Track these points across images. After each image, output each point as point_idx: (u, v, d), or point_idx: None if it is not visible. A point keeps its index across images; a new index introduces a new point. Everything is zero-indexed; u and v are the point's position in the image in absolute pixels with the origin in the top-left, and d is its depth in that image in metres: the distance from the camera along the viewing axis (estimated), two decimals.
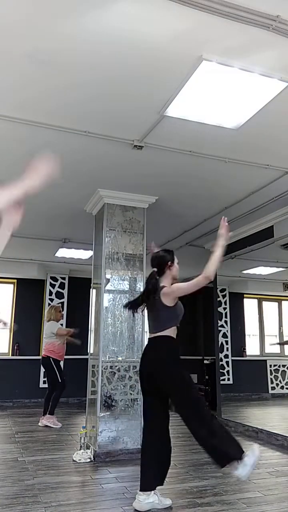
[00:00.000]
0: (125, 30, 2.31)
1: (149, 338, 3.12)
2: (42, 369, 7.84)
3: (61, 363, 6.03)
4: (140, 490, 2.86)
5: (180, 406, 2.94)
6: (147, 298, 3.07)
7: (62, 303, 8.24)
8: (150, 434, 3.00)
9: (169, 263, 3.20)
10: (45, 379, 6.45)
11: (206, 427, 2.84)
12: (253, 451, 2.76)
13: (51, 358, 5.85)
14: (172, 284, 3.11)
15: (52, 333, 5.96)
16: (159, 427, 3.02)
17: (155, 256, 3.27)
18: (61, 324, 6.47)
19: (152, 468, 2.92)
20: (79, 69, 2.64)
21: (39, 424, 5.72)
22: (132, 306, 3.15)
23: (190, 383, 3.03)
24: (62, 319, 6.66)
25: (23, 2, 2.14)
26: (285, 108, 2.99)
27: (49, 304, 8.10)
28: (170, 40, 2.37)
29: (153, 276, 3.15)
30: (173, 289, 3.04)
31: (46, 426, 5.62)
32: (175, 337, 3.10)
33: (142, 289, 4.52)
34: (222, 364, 7.23)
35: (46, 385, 6.86)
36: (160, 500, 2.89)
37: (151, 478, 2.90)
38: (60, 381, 5.83)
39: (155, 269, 3.18)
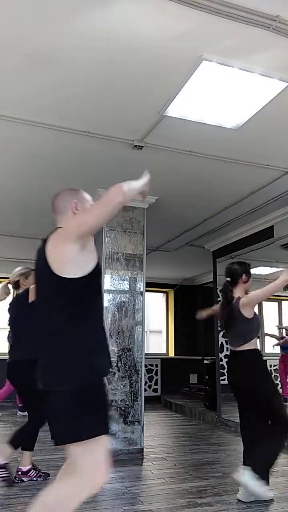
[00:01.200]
0: (125, 30, 2.31)
1: (233, 351, 3.21)
2: None
3: None
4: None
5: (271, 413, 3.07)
6: (226, 312, 3.17)
7: None
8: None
9: (244, 275, 3.24)
10: None
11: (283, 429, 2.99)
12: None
13: None
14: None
15: None
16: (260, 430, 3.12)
17: (230, 266, 3.35)
18: None
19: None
20: (79, 69, 2.64)
21: None
22: (226, 325, 3.22)
23: (275, 390, 3.19)
24: None
25: (23, 2, 2.14)
26: (285, 108, 2.99)
27: None
28: (170, 40, 2.38)
29: (227, 288, 3.24)
30: (250, 297, 3.11)
31: None
32: (257, 347, 3.20)
33: (141, 289, 4.53)
34: (222, 364, 7.21)
35: None
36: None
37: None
38: None
39: (229, 279, 3.26)
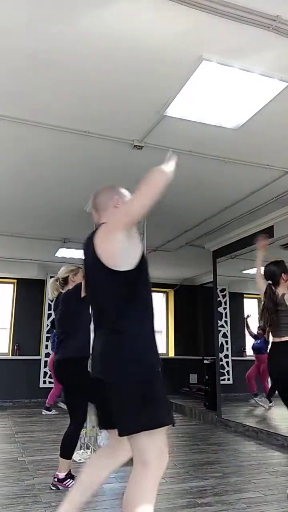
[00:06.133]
0: (125, 30, 2.31)
1: (276, 342, 3.38)
2: (43, 369, 7.87)
3: None
4: None
5: None
6: (272, 310, 3.34)
7: None
8: None
9: (283, 274, 3.41)
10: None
11: None
12: None
13: None
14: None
15: None
16: None
17: (269, 268, 3.51)
18: None
19: None
20: (79, 69, 2.64)
21: None
22: (270, 321, 3.38)
23: None
24: None
25: (23, 2, 2.14)
26: (285, 108, 2.99)
27: (49, 304, 8.11)
28: (170, 40, 2.38)
29: (270, 289, 3.41)
30: None
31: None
32: None
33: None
34: (222, 364, 7.23)
35: (46, 385, 6.88)
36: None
37: None
38: None
39: (270, 282, 3.44)
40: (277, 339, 3.36)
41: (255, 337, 7.66)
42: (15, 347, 7.95)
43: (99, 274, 1.85)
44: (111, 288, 1.83)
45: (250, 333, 7.80)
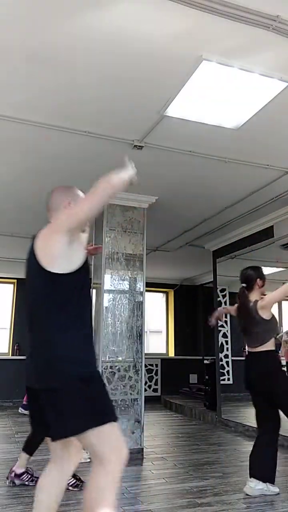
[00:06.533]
0: (125, 30, 2.31)
1: (251, 352, 3.27)
2: None
3: None
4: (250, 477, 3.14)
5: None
6: (243, 316, 3.28)
7: None
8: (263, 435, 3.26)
9: (258, 280, 3.33)
10: None
11: None
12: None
13: None
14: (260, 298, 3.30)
15: None
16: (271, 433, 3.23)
17: (245, 272, 3.43)
18: None
19: (259, 460, 3.17)
20: (79, 69, 2.64)
21: None
22: (243, 331, 3.33)
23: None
24: None
25: (23, 2, 2.14)
26: (285, 108, 2.99)
27: None
28: (170, 40, 2.37)
29: (243, 293, 3.34)
30: (267, 300, 3.22)
31: None
32: (274, 348, 3.27)
33: (141, 289, 4.53)
34: (222, 364, 7.22)
35: None
36: (269, 488, 3.11)
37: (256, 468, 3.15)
38: None
39: (244, 285, 3.35)
40: (250, 349, 3.27)
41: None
42: (15, 347, 7.95)
43: (35, 274, 1.83)
44: (45, 290, 1.80)
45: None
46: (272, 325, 3.26)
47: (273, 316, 3.26)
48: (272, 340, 3.23)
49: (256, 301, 3.24)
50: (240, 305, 3.35)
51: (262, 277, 3.35)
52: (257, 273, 3.36)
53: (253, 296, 3.29)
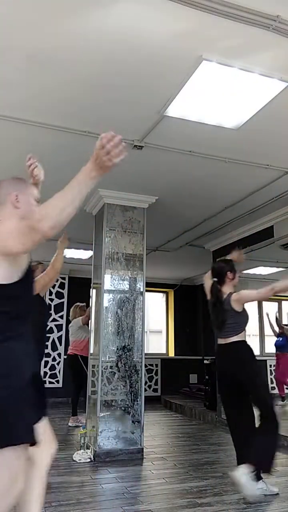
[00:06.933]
0: (125, 30, 2.31)
1: (221, 344, 3.28)
2: (43, 369, 7.86)
3: (57, 363, 5.98)
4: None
5: (258, 401, 3.16)
6: (217, 310, 3.27)
7: (62, 303, 8.24)
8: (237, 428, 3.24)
9: (228, 273, 3.33)
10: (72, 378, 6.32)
11: (273, 420, 3.06)
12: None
13: (78, 356, 5.85)
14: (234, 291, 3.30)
15: (79, 327, 6.01)
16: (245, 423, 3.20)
17: (215, 266, 3.47)
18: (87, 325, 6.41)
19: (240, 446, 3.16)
20: (79, 69, 2.64)
21: (68, 424, 5.74)
22: (221, 324, 3.26)
23: (265, 382, 3.31)
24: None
25: (23, 3, 2.14)
26: (285, 108, 2.99)
27: (49, 304, 8.12)
28: (170, 40, 2.38)
29: (215, 287, 3.34)
30: (242, 295, 3.21)
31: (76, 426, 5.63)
32: (245, 339, 3.29)
33: (141, 289, 4.52)
34: None
35: (46, 385, 6.79)
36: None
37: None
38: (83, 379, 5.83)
39: (216, 279, 3.36)
40: (223, 341, 3.25)
41: (278, 335, 7.72)
42: None
43: None
44: None
45: (274, 332, 7.84)
46: (245, 317, 3.29)
47: (244, 309, 3.28)
48: (244, 332, 3.26)
49: (230, 293, 3.26)
50: (213, 298, 3.34)
51: (233, 270, 3.36)
52: (228, 266, 3.38)
53: (226, 289, 3.31)
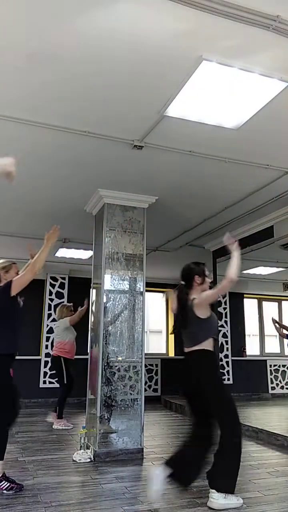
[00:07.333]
0: (125, 30, 2.31)
1: (186, 353, 3.07)
2: (43, 369, 7.86)
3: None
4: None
5: (217, 417, 2.95)
6: (181, 314, 3.05)
7: (62, 303, 8.24)
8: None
9: (196, 277, 3.10)
10: (56, 379, 6.27)
11: (232, 438, 2.89)
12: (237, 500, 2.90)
13: (61, 358, 5.80)
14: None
15: (66, 328, 5.92)
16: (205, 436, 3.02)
17: (183, 268, 3.23)
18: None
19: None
20: (79, 70, 2.64)
21: (53, 426, 5.58)
22: (182, 326, 3.09)
23: (226, 396, 3.01)
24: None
25: (23, 2, 2.14)
26: (285, 108, 2.99)
27: (49, 304, 8.11)
28: (170, 40, 2.38)
29: (181, 290, 3.11)
30: (202, 297, 2.98)
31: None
32: (212, 349, 3.02)
33: (141, 289, 4.52)
34: (222, 364, 7.22)
35: (46, 385, 6.82)
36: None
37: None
38: (66, 382, 5.75)
39: (183, 283, 3.14)
40: (185, 349, 3.07)
41: (287, 336, 7.73)
42: None
43: None
44: None
45: (283, 334, 7.83)
46: (209, 324, 3.02)
47: (211, 315, 3.03)
48: (210, 340, 2.99)
49: (193, 299, 3.02)
50: (178, 303, 3.10)
51: (201, 274, 3.10)
52: (198, 269, 3.12)
53: (194, 295, 3.06)
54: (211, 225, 5.58)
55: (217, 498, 2.84)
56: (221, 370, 6.68)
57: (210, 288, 3.13)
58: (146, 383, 8.20)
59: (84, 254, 6.97)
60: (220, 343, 7.18)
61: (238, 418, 2.96)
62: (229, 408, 2.94)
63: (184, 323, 3.04)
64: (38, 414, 6.48)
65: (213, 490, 2.87)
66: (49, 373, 7.79)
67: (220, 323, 7.67)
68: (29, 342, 8.03)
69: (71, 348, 5.92)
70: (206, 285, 3.11)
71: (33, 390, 7.71)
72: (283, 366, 9.10)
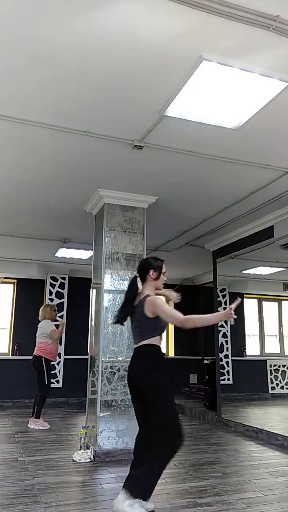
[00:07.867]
0: (125, 30, 2.31)
1: (134, 348, 2.98)
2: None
3: (57, 363, 5.94)
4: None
5: (151, 418, 2.80)
6: (128, 305, 2.96)
7: (62, 303, 8.24)
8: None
9: (151, 271, 2.99)
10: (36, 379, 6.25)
11: (160, 446, 2.75)
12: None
13: (42, 358, 5.79)
14: (155, 294, 2.98)
15: (45, 333, 5.92)
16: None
17: (141, 260, 3.18)
18: (57, 326, 6.40)
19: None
20: (79, 70, 2.64)
21: (29, 425, 5.58)
22: (121, 319, 2.99)
23: (166, 397, 2.83)
24: (56, 319, 6.58)
25: (23, 2, 2.14)
26: (285, 108, 2.99)
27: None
28: (170, 40, 2.37)
29: (134, 281, 3.03)
30: (155, 305, 2.82)
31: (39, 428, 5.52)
32: (159, 345, 2.93)
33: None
34: (222, 364, 7.22)
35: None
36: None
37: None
38: (46, 382, 5.75)
39: (137, 275, 3.06)
40: (135, 344, 2.95)
41: None
42: (15, 347, 7.95)
43: None
44: None
45: None
46: (157, 323, 2.88)
47: (158, 316, 2.88)
48: (157, 337, 2.91)
49: (147, 296, 2.89)
50: (129, 294, 2.99)
51: (157, 269, 2.99)
52: (154, 263, 3.02)
53: (147, 289, 2.96)
54: (211, 225, 5.58)
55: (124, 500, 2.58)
56: (221, 370, 6.67)
57: (164, 287, 3.11)
58: None
59: (84, 254, 6.97)
60: (220, 343, 7.17)
61: (177, 429, 2.75)
62: (169, 415, 2.75)
63: (134, 318, 2.93)
64: None
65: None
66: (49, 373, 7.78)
67: (220, 323, 7.66)
68: (29, 342, 8.03)
69: (52, 350, 5.91)
70: (160, 282, 3.03)
71: (33, 390, 7.69)
72: (283, 366, 9.09)
